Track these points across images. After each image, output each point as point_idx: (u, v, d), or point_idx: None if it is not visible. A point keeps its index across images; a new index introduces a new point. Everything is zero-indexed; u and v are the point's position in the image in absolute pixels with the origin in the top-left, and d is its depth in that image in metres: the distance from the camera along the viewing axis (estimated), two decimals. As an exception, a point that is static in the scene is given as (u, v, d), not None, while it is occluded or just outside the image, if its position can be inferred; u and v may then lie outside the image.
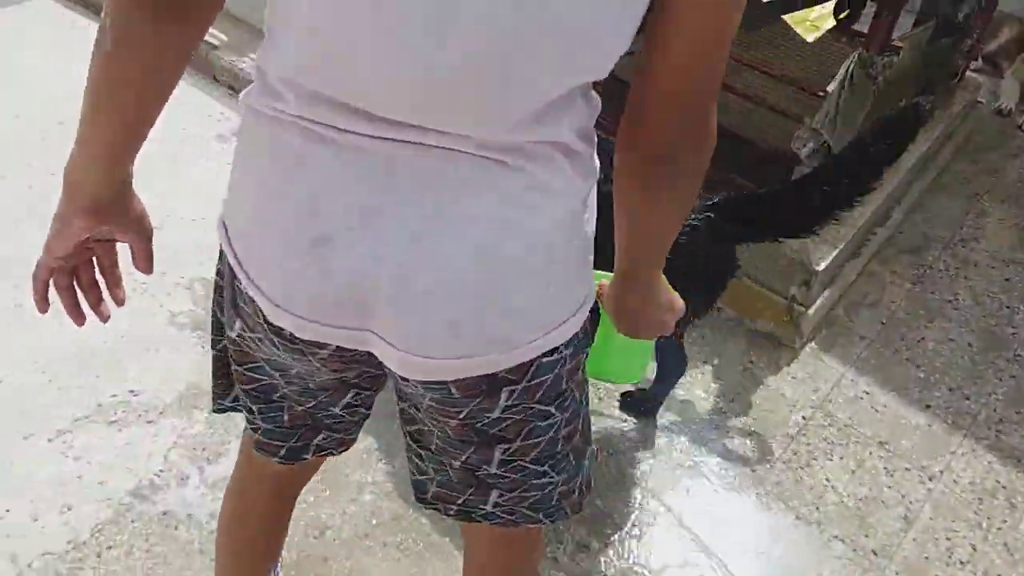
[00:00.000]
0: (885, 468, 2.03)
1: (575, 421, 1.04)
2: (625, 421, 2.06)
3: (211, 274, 2.44)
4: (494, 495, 1.06)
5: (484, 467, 1.03)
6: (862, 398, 2.18)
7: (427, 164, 0.81)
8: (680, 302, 1.10)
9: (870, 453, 2.05)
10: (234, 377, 1.10)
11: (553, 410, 0.99)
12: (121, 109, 0.86)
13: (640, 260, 1.00)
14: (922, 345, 2.33)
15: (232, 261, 0.93)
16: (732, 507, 1.92)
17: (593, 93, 0.87)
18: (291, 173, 0.84)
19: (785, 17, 2.12)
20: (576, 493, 1.10)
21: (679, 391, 2.13)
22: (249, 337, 1.00)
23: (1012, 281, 2.55)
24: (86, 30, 3.04)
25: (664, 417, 2.07)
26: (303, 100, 0.81)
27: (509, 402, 0.96)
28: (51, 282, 0.99)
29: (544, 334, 0.91)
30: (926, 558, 1.86)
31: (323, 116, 0.81)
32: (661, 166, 0.88)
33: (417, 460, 1.11)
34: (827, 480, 1.99)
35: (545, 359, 0.94)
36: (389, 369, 0.96)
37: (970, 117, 3.07)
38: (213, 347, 1.12)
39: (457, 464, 1.05)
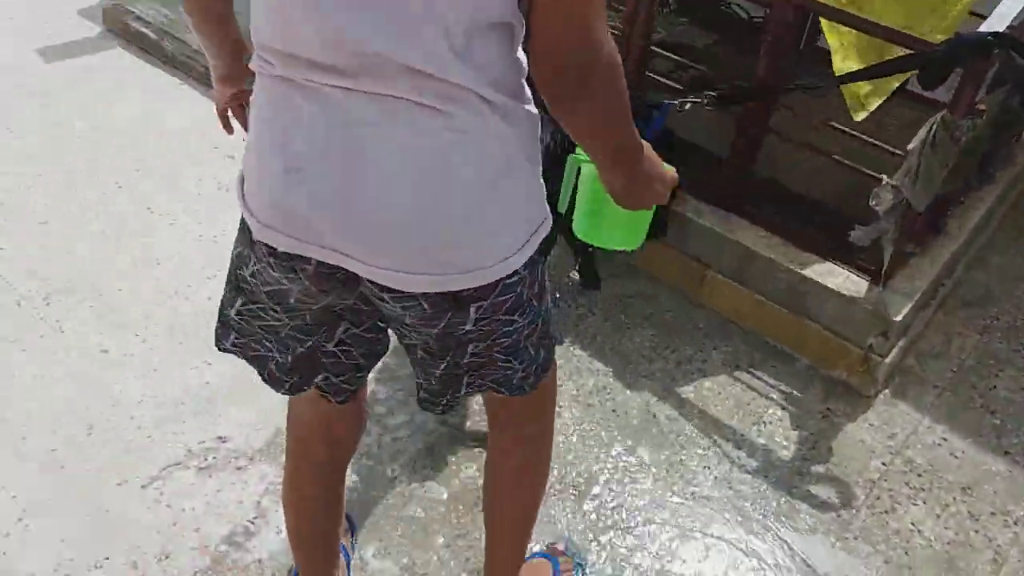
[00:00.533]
0: (969, 512, 2.03)
1: (536, 322, 1.25)
2: (708, 468, 2.07)
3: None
4: (465, 381, 1.28)
5: (458, 365, 1.25)
6: (940, 444, 2.19)
7: (372, 108, 1.01)
8: (672, 173, 1.25)
9: (953, 498, 2.06)
10: (246, 318, 1.28)
11: (516, 318, 1.20)
12: (208, 24, 1.35)
13: (600, 166, 1.17)
14: (994, 393, 2.34)
15: (239, 198, 1.15)
16: (822, 551, 1.92)
17: (517, 55, 1.05)
18: (275, 115, 1.07)
19: (843, 90, 2.20)
20: (533, 376, 1.32)
21: (760, 439, 2.16)
22: (257, 269, 1.19)
23: (1076, 331, 2.58)
24: (145, 74, 3.19)
25: (747, 464, 2.09)
26: (279, 60, 1.03)
27: (479, 315, 1.16)
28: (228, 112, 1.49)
29: (494, 263, 1.10)
30: (1022, 602, 1.86)
31: (297, 73, 1.02)
32: (565, 91, 1.01)
33: (413, 367, 1.33)
34: (912, 524, 1.99)
35: (508, 280, 1.14)
36: (373, 294, 1.16)
37: (1024, 175, 3.13)
38: (225, 292, 1.31)
39: (438, 372, 1.27)
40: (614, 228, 1.36)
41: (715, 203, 2.47)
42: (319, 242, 1.09)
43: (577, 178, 1.35)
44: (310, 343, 1.27)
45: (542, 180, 1.16)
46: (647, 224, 1.36)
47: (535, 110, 1.10)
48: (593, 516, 1.96)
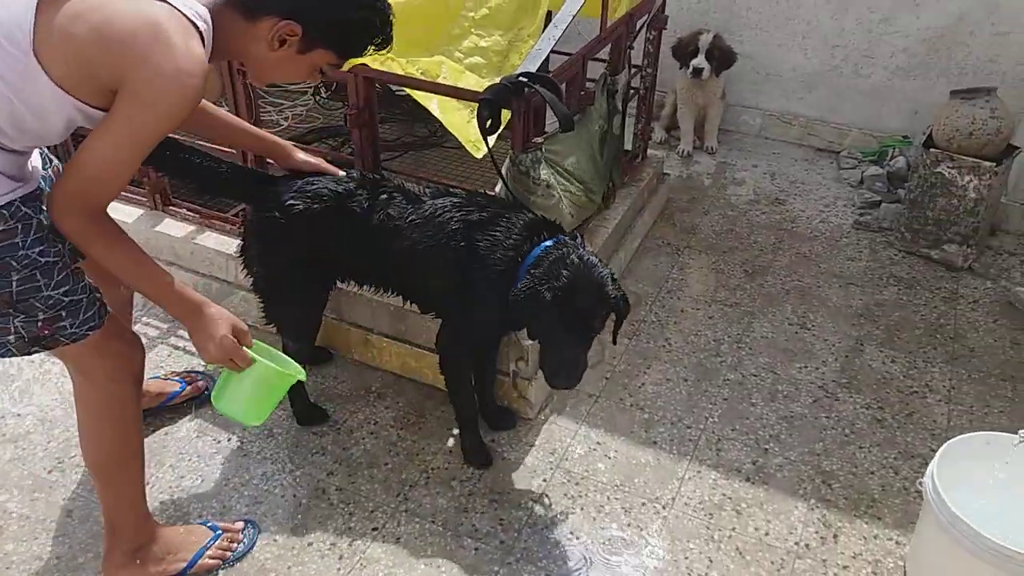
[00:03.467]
0: (623, 506, 2.15)
1: None
2: (376, 529, 2.08)
3: None
4: None
5: None
6: (595, 450, 2.32)
7: None
8: (235, 352, 1.62)
9: (608, 497, 2.18)
10: None
11: None
12: None
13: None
14: (643, 390, 2.52)
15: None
16: (486, 582, 1.97)
17: None
18: None
19: (458, 137, 2.35)
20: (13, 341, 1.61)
21: (429, 485, 2.19)
22: None
23: (715, 318, 2.84)
24: None
25: (416, 512, 2.12)
26: None
27: None
28: None
29: None
30: (669, 580, 1.98)
31: None
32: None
33: None
34: (571, 532, 2.09)
35: None
36: None
37: (661, 188, 3.45)
38: None
39: None
40: (232, 401, 1.67)
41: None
42: None
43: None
44: None
45: None
46: (259, 405, 1.69)
47: None
48: (258, 608, 1.91)
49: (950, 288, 3.04)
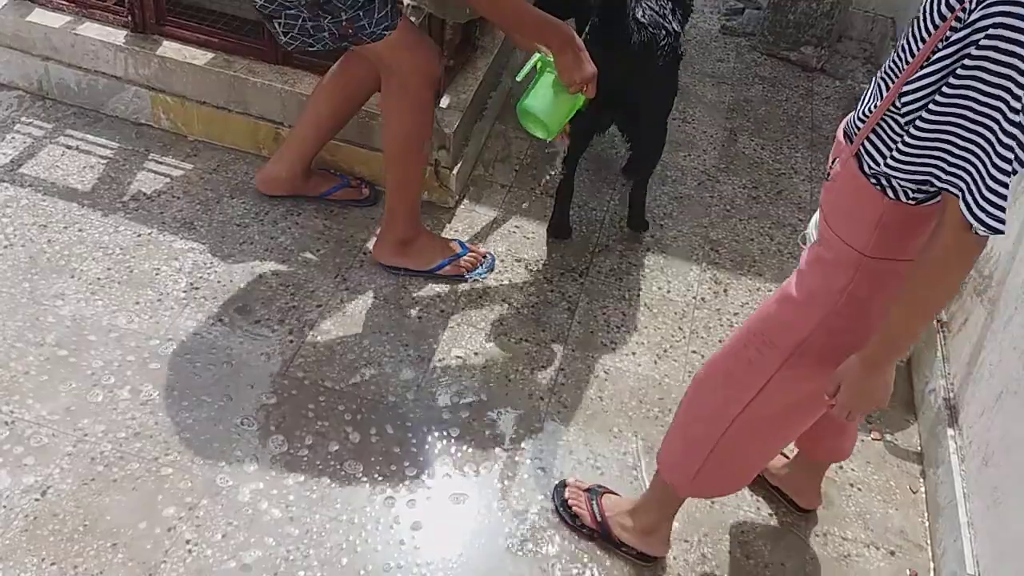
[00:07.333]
0: (545, 277, 2.38)
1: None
2: (314, 292, 2.20)
3: None
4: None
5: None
6: (514, 232, 2.51)
7: None
8: (589, 70, 1.88)
9: (530, 270, 2.40)
10: None
11: None
12: None
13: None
14: (552, 181, 2.70)
15: None
16: (430, 342, 2.16)
17: None
18: None
19: None
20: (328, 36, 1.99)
21: (365, 267, 2.32)
22: None
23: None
24: None
25: (359, 286, 2.25)
26: None
27: None
28: None
29: None
30: (591, 332, 2.25)
31: None
32: None
33: None
34: (502, 299, 2.30)
35: None
36: None
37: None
38: None
39: None
40: (540, 110, 1.89)
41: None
42: None
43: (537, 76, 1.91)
44: None
45: None
46: (563, 120, 1.93)
47: None
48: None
49: (806, 86, 3.37)
